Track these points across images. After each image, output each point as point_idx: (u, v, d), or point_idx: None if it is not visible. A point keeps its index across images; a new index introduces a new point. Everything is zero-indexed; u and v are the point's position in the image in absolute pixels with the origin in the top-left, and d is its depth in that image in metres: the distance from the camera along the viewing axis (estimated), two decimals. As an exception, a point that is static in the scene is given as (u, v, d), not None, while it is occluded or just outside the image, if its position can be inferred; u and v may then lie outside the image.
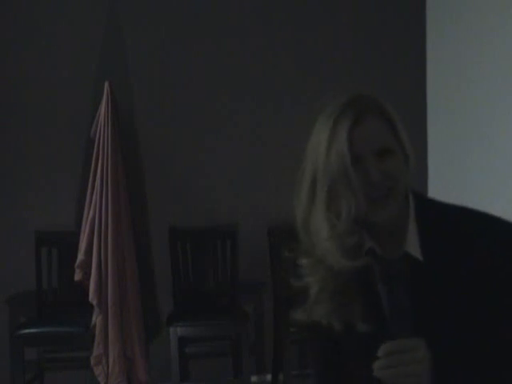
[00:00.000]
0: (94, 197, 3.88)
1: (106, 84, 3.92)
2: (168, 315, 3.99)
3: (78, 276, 3.83)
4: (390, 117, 1.34)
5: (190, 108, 4.29)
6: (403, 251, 1.25)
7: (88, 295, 3.79)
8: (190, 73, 4.29)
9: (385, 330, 1.20)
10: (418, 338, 1.17)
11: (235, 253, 4.22)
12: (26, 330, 3.69)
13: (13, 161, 4.09)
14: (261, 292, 4.37)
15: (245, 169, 4.38)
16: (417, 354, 1.15)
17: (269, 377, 4.34)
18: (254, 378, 4.25)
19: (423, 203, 1.35)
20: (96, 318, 3.82)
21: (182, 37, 4.28)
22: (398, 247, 1.26)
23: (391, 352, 1.16)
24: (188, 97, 4.28)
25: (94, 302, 3.78)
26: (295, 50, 4.47)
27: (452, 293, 1.21)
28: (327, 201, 1.23)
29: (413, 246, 1.25)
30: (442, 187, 4.57)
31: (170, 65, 4.26)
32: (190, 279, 4.18)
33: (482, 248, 1.24)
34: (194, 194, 4.26)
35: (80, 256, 3.84)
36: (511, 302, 1.19)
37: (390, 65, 4.63)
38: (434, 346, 1.16)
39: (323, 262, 1.22)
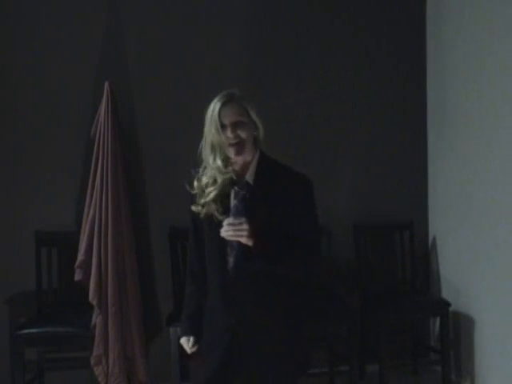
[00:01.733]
0: (93, 197, 3.88)
1: (106, 84, 3.93)
2: (168, 315, 3.99)
3: (77, 276, 3.83)
4: (245, 105, 2.33)
5: (190, 108, 4.28)
6: (245, 178, 2.33)
7: (88, 295, 3.79)
8: (190, 73, 4.30)
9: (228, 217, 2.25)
10: (244, 218, 2.19)
11: (235, 253, 4.22)
12: (26, 330, 3.69)
13: (13, 161, 4.09)
14: (261, 292, 4.37)
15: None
16: (243, 225, 2.17)
17: (269, 377, 4.34)
18: (253, 378, 4.24)
19: (264, 156, 2.41)
20: (96, 318, 3.82)
21: (182, 37, 4.28)
22: (243, 175, 2.34)
23: (230, 223, 2.18)
24: (188, 97, 4.28)
25: (94, 302, 3.79)
26: (295, 50, 4.48)
27: (267, 200, 2.28)
28: (211, 146, 2.31)
29: (249, 176, 2.33)
30: (442, 186, 4.58)
31: (169, 65, 4.27)
32: (190, 279, 4.17)
33: (285, 182, 2.33)
34: (194, 194, 4.25)
35: (80, 256, 3.84)
36: (295, 211, 2.28)
37: (389, 65, 4.63)
38: (257, 226, 2.19)
39: (211, 174, 2.33)
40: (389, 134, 4.63)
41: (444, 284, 4.52)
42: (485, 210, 4.04)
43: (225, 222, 2.19)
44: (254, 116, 2.35)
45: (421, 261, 4.64)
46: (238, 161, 2.32)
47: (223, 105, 2.29)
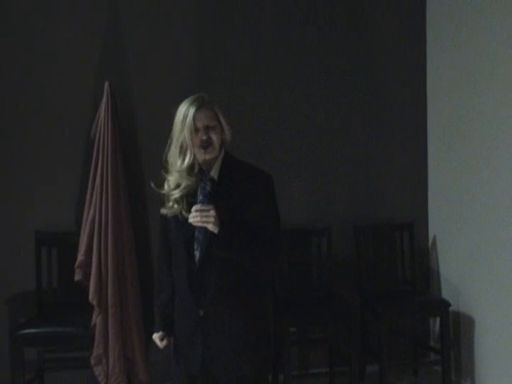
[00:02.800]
0: (93, 197, 3.88)
1: (106, 84, 3.93)
2: (168, 315, 3.98)
3: (77, 276, 3.83)
4: (215, 109, 2.48)
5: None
6: (211, 175, 2.48)
7: (88, 295, 3.79)
8: (190, 72, 4.30)
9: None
10: (212, 205, 2.32)
11: (235, 253, 4.22)
12: (26, 330, 3.69)
13: (13, 161, 4.09)
14: (261, 292, 4.37)
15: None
16: (210, 211, 2.30)
17: (269, 377, 4.34)
18: (254, 378, 4.24)
19: (228, 155, 2.53)
20: (96, 318, 3.82)
21: (182, 37, 4.28)
22: (209, 172, 2.48)
23: (198, 209, 2.31)
24: (187, 96, 4.27)
25: (94, 302, 3.78)
26: (293, 50, 4.48)
27: (231, 195, 2.43)
28: (180, 148, 2.45)
29: (214, 173, 2.47)
30: (442, 187, 4.57)
31: (169, 65, 4.27)
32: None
33: (247, 178, 2.47)
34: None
35: (80, 256, 3.84)
36: (256, 205, 2.43)
37: (390, 64, 4.63)
38: (222, 215, 2.34)
39: (176, 178, 2.48)
40: (389, 133, 4.63)
41: (444, 284, 4.52)
42: (485, 210, 4.04)
43: (193, 209, 2.32)
44: (222, 119, 2.50)
45: (421, 261, 4.64)
46: (204, 159, 2.47)
47: (197, 109, 2.45)
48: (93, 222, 3.86)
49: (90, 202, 3.89)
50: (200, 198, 2.44)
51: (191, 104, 2.47)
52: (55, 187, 4.12)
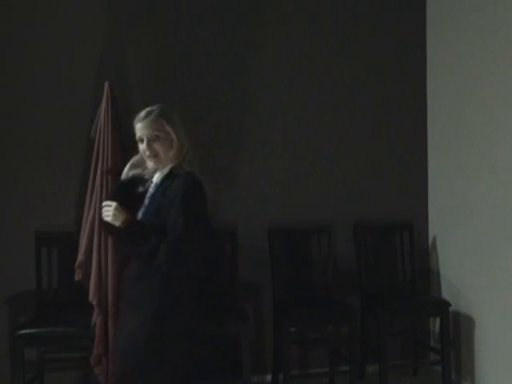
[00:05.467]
0: (93, 197, 3.88)
1: (106, 84, 3.92)
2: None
3: (78, 276, 3.83)
4: (162, 121, 2.68)
5: (190, 108, 4.29)
6: (152, 179, 2.73)
7: (88, 295, 3.79)
8: (190, 72, 4.30)
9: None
10: (115, 202, 2.61)
11: (235, 253, 4.22)
12: (26, 330, 3.69)
13: (13, 161, 4.09)
14: (261, 292, 4.38)
15: (245, 169, 4.39)
16: (111, 207, 2.58)
17: (269, 377, 4.35)
18: (253, 378, 4.24)
19: (180, 164, 2.66)
20: (96, 318, 3.81)
21: (182, 36, 4.28)
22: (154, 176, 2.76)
23: (103, 204, 2.60)
24: (187, 97, 4.28)
25: (94, 302, 3.78)
26: (293, 50, 4.48)
27: (159, 200, 2.64)
28: (136, 153, 2.79)
29: (157, 178, 2.69)
30: (442, 187, 4.57)
31: (169, 65, 4.26)
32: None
33: (177, 186, 2.61)
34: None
35: (80, 256, 3.84)
36: (173, 211, 2.58)
37: (390, 65, 4.64)
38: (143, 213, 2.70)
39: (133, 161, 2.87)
40: (389, 134, 4.63)
41: (444, 284, 4.52)
42: (485, 210, 4.04)
43: (102, 204, 2.68)
44: (171, 132, 2.67)
45: (421, 261, 4.64)
46: (153, 165, 2.77)
47: (140, 120, 2.68)
48: (93, 222, 3.85)
49: (90, 202, 3.89)
50: (147, 195, 2.73)
51: (138, 115, 2.73)
52: (55, 187, 4.12)
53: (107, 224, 2.68)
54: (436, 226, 4.63)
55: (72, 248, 3.93)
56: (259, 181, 4.41)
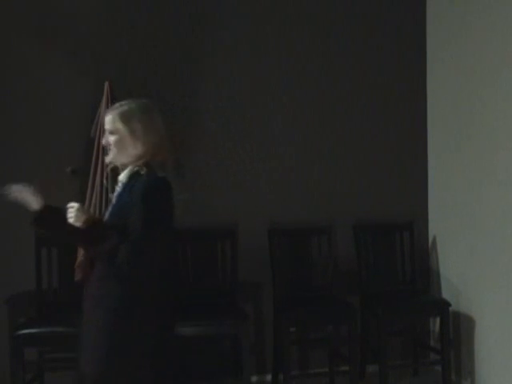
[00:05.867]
0: (93, 197, 3.88)
1: (106, 84, 3.92)
2: (168, 315, 3.98)
3: (77, 276, 3.82)
4: (118, 116, 2.63)
5: (190, 108, 4.29)
6: (119, 178, 2.68)
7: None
8: (190, 72, 4.29)
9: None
10: (78, 204, 2.63)
11: (235, 253, 4.22)
12: (26, 330, 3.69)
13: (13, 161, 4.08)
14: (261, 292, 4.38)
15: (245, 169, 4.39)
16: (73, 208, 2.59)
17: (269, 377, 4.35)
18: (253, 378, 4.25)
19: (147, 164, 2.59)
20: (96, 318, 3.81)
21: (182, 36, 4.28)
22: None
23: (67, 206, 2.61)
24: (187, 97, 4.28)
25: (94, 302, 3.78)
26: (293, 50, 4.48)
27: (121, 200, 2.62)
28: None
29: (123, 177, 2.65)
30: (442, 186, 4.58)
31: (169, 64, 4.26)
32: (189, 279, 4.18)
33: (138, 186, 2.54)
34: (194, 194, 4.25)
35: (80, 256, 3.84)
36: (131, 212, 2.52)
37: (390, 65, 4.64)
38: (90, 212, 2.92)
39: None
40: (389, 134, 4.63)
41: (444, 284, 4.52)
42: (485, 210, 4.04)
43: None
44: (123, 127, 2.62)
45: (421, 261, 4.63)
46: (110, 162, 2.73)
47: (107, 114, 2.69)
48: (93, 222, 3.85)
49: (90, 202, 3.89)
50: (114, 194, 2.75)
51: (104, 109, 2.81)
52: (55, 187, 4.11)
53: (72, 225, 2.66)
54: (436, 226, 4.63)
55: (72, 248, 3.93)
56: (259, 181, 4.41)
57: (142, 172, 2.59)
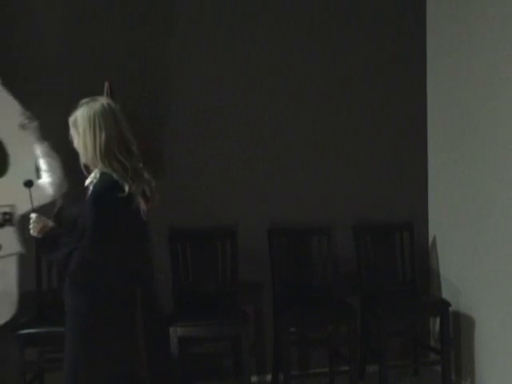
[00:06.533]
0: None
1: (106, 84, 3.92)
2: (168, 315, 3.99)
3: (77, 276, 3.82)
4: (75, 116, 2.67)
5: (190, 108, 4.29)
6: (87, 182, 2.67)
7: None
8: (190, 72, 4.30)
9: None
10: (35, 215, 2.65)
11: (235, 253, 4.22)
12: (26, 330, 3.69)
13: (13, 161, 4.08)
14: (261, 292, 4.38)
15: (245, 169, 4.39)
16: (31, 220, 2.60)
17: (269, 377, 4.35)
18: (253, 378, 4.25)
19: (103, 170, 2.59)
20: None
21: (182, 36, 4.28)
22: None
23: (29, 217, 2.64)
24: (188, 97, 4.28)
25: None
26: (292, 50, 4.48)
27: (78, 205, 2.61)
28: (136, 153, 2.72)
29: (89, 182, 2.63)
30: (442, 186, 4.58)
31: (169, 65, 4.26)
32: (189, 279, 4.18)
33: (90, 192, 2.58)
34: (194, 194, 4.26)
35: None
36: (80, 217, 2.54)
37: (390, 65, 4.63)
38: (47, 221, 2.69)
39: None
40: (389, 134, 4.63)
41: (444, 284, 4.52)
42: (485, 210, 4.04)
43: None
44: (75, 131, 2.67)
45: (421, 261, 4.63)
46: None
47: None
48: (93, 222, 3.85)
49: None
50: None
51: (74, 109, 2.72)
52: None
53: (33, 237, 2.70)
54: (436, 226, 4.63)
55: (72, 248, 3.93)
56: (259, 181, 4.41)
57: (98, 175, 2.61)
